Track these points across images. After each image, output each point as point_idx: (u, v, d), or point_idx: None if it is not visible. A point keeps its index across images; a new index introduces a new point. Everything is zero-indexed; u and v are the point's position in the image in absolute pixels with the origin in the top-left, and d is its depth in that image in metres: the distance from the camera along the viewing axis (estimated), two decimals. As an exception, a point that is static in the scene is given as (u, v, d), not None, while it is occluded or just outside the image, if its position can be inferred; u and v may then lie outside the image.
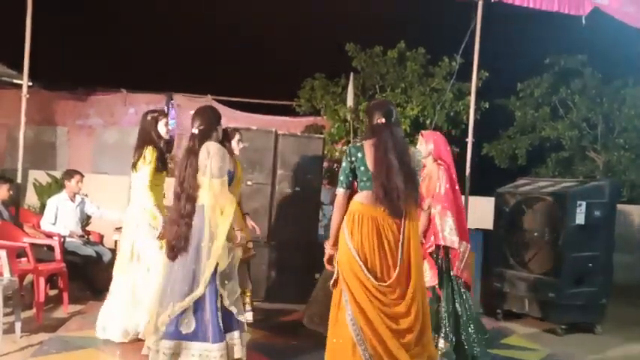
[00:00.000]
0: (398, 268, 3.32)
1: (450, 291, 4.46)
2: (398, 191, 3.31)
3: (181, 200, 3.78)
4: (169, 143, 11.14)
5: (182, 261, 3.72)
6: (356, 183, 3.53)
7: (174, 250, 3.74)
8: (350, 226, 3.39)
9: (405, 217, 3.37)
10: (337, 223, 3.49)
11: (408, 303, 3.32)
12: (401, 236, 3.36)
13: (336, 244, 3.48)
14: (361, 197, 3.44)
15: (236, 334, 3.76)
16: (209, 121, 3.91)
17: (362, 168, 3.43)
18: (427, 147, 4.58)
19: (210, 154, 3.75)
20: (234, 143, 5.08)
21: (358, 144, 3.54)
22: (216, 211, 3.70)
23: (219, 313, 3.66)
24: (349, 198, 3.51)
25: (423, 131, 4.85)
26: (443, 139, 4.72)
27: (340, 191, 3.50)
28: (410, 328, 3.31)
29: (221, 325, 3.65)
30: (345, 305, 3.33)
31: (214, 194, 3.71)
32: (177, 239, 3.72)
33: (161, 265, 4.07)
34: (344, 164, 3.51)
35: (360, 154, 3.45)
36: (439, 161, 4.55)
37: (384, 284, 3.30)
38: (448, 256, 4.48)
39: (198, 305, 3.67)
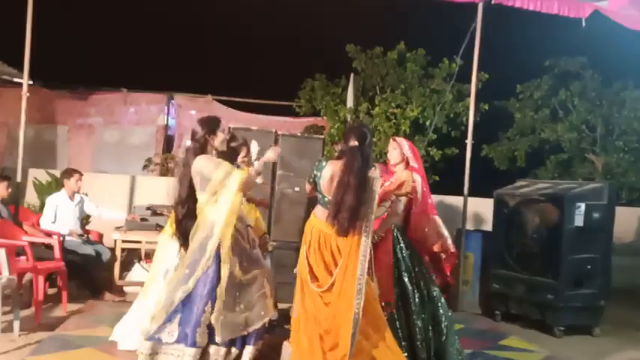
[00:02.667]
0: (334, 278, 3.66)
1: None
2: (349, 212, 3.55)
3: (179, 213, 3.93)
4: (169, 143, 11.22)
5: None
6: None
7: None
8: (306, 233, 3.83)
9: (354, 236, 3.64)
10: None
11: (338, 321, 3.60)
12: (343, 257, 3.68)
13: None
14: (316, 210, 3.87)
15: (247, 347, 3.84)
16: (202, 132, 3.93)
17: (319, 187, 3.83)
18: (400, 152, 4.51)
19: (199, 168, 3.81)
20: (239, 158, 5.07)
21: (323, 163, 3.83)
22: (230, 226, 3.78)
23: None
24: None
25: (395, 137, 4.78)
26: (413, 146, 4.66)
27: (308, 187, 3.98)
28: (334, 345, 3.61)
29: (201, 331, 3.68)
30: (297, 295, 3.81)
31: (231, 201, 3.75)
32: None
33: None
34: (312, 172, 3.89)
35: (319, 173, 3.82)
36: (410, 166, 4.51)
37: (320, 289, 3.68)
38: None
39: (185, 307, 3.71)
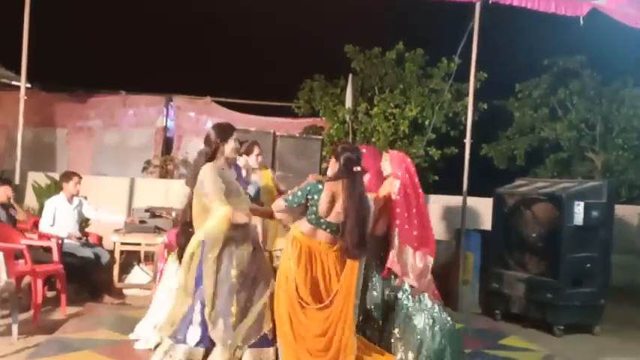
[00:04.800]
0: (332, 297, 3.77)
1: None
2: (364, 239, 3.77)
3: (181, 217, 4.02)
4: (168, 145, 11.23)
5: None
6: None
7: None
8: (291, 248, 3.81)
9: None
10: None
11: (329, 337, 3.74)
12: (343, 276, 3.81)
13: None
14: (303, 227, 3.86)
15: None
16: (214, 138, 3.91)
17: (314, 208, 3.80)
18: (391, 168, 4.45)
19: (201, 177, 3.79)
20: (252, 158, 5.06)
21: (320, 186, 3.81)
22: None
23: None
24: None
25: (390, 150, 4.75)
26: (400, 158, 4.56)
27: (282, 207, 3.88)
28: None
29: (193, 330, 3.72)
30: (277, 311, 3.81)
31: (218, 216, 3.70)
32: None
33: None
34: (299, 193, 3.83)
35: (316, 197, 3.79)
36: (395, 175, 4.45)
37: (311, 307, 3.74)
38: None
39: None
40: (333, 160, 3.96)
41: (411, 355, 4.11)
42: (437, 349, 4.14)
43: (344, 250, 3.80)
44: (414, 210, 4.32)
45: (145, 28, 12.78)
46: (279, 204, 3.93)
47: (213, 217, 3.66)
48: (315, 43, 11.68)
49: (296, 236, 3.85)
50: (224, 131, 3.94)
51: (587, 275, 5.97)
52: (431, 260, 4.31)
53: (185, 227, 3.98)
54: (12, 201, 6.09)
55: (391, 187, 4.34)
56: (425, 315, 4.21)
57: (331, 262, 3.84)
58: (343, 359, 3.72)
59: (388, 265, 4.24)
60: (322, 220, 3.80)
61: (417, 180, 4.45)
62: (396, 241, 4.24)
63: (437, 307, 4.28)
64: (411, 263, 4.25)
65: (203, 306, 3.72)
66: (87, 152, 10.59)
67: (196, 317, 3.74)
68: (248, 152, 5.05)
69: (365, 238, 3.80)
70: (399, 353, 4.12)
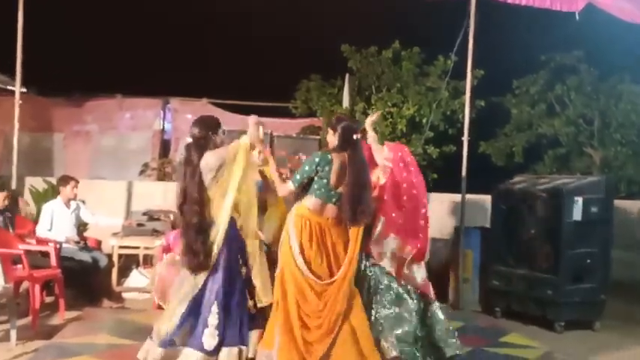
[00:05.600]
0: (342, 269, 3.75)
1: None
2: (368, 206, 3.79)
3: (187, 215, 3.74)
4: (166, 147, 11.21)
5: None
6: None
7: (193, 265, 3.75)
8: (296, 228, 3.76)
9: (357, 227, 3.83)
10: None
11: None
12: (350, 246, 3.80)
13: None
14: (309, 203, 3.82)
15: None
16: (204, 129, 3.86)
17: (324, 180, 3.79)
18: (388, 156, 4.44)
19: (209, 165, 3.74)
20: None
21: (329, 156, 3.82)
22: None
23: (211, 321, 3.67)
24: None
25: (388, 143, 4.77)
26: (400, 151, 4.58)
27: (292, 188, 3.83)
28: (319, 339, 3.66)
29: (209, 333, 3.65)
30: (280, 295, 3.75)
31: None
32: (191, 255, 3.71)
33: None
34: (307, 167, 3.81)
35: (327, 168, 3.79)
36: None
37: (323, 282, 3.69)
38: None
39: (194, 309, 3.68)
40: (330, 132, 3.95)
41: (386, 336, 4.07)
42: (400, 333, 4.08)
43: (344, 219, 3.78)
44: (405, 198, 4.26)
45: (141, 31, 12.75)
46: (286, 187, 3.88)
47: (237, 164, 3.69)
48: (312, 43, 11.67)
49: (303, 214, 3.80)
50: (212, 124, 3.92)
51: (587, 271, 5.95)
52: (409, 253, 4.20)
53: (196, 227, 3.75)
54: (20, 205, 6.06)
55: (381, 173, 4.32)
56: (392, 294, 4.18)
57: (340, 239, 3.81)
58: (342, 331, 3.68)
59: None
60: (333, 193, 3.78)
61: (413, 170, 4.39)
62: (379, 227, 4.17)
63: (411, 294, 4.22)
64: (392, 251, 4.18)
65: (224, 307, 3.66)
66: (84, 156, 10.57)
67: (212, 320, 3.66)
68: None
69: (364, 203, 3.77)
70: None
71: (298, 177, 3.83)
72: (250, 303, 3.90)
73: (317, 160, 3.81)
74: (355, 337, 3.72)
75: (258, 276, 3.79)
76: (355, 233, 3.83)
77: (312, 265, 3.71)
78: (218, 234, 3.69)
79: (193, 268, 3.70)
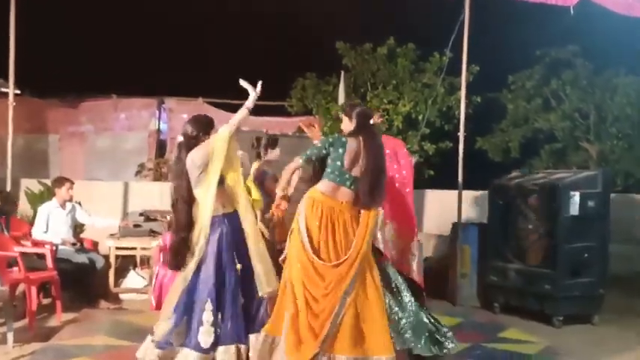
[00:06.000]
0: (349, 252, 3.67)
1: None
2: (371, 184, 3.74)
3: (176, 213, 3.83)
4: (162, 147, 11.18)
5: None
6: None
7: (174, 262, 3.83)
8: (307, 210, 3.71)
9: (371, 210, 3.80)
10: (285, 180, 3.96)
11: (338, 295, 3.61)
12: (358, 229, 3.75)
13: (283, 192, 3.99)
14: (323, 187, 3.80)
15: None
16: (196, 129, 3.87)
17: (338, 163, 3.77)
18: None
19: (195, 162, 3.73)
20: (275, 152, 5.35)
21: (343, 139, 3.82)
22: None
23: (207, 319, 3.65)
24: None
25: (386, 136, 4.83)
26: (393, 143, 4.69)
27: (300, 162, 3.87)
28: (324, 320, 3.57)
29: (204, 331, 3.63)
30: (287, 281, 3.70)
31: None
32: (172, 253, 3.82)
33: None
34: (319, 145, 3.84)
35: (341, 150, 3.76)
36: None
37: (329, 264, 3.63)
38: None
39: (187, 307, 3.68)
40: (345, 119, 3.95)
41: None
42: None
43: (360, 202, 3.77)
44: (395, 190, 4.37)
45: (135, 31, 12.73)
46: (292, 164, 3.90)
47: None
48: (306, 41, 11.65)
49: (316, 197, 3.77)
50: (205, 124, 3.91)
51: (585, 265, 5.95)
52: (391, 232, 4.28)
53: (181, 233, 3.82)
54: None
55: None
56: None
57: (354, 223, 3.77)
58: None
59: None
60: (347, 176, 3.76)
61: (403, 163, 4.49)
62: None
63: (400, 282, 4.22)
64: (392, 239, 4.28)
65: (217, 303, 3.65)
66: (80, 157, 10.54)
67: (207, 317, 3.65)
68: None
69: (381, 187, 3.78)
70: None
71: (308, 152, 3.84)
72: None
73: (331, 140, 3.81)
74: (359, 323, 3.64)
75: (259, 265, 3.76)
76: (366, 217, 3.78)
77: (320, 250, 3.67)
78: (201, 231, 3.69)
79: (172, 266, 3.85)
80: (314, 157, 3.85)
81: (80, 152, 10.66)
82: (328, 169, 3.80)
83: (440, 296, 6.60)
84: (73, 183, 6.32)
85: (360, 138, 3.81)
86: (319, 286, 3.64)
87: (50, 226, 6.13)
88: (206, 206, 3.69)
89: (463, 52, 7.07)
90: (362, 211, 3.80)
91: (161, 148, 10.83)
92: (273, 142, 5.46)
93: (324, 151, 3.80)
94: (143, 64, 12.93)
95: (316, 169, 3.95)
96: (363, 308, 3.67)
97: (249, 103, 3.94)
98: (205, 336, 3.62)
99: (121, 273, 6.66)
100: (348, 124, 3.95)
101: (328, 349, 3.54)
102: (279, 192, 3.99)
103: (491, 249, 6.57)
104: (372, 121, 3.89)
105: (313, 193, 3.80)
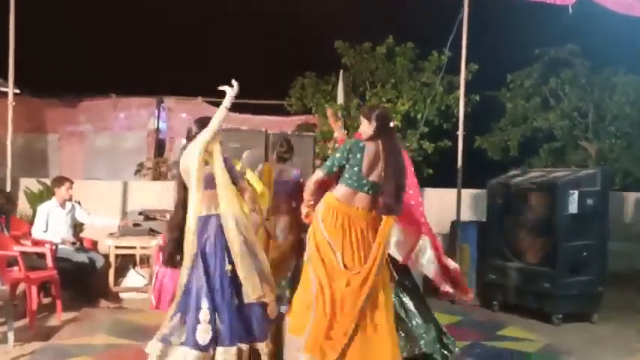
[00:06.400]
0: (370, 261, 3.61)
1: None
2: (395, 189, 3.63)
3: (173, 212, 3.99)
4: (161, 147, 11.19)
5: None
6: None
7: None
8: (325, 216, 3.66)
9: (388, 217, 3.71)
10: (310, 193, 3.83)
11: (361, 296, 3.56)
12: (377, 237, 3.67)
13: (308, 204, 3.84)
14: (339, 193, 3.71)
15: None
16: (197, 130, 3.91)
17: (355, 168, 3.66)
18: None
19: (183, 165, 3.79)
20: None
21: (361, 144, 3.70)
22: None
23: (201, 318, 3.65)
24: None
25: None
26: None
27: (321, 175, 3.76)
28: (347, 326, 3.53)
29: (202, 329, 3.63)
30: (312, 281, 3.64)
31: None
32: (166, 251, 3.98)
33: None
34: (339, 154, 3.71)
35: (359, 155, 3.66)
36: None
37: (351, 272, 3.57)
38: None
39: (185, 306, 3.71)
40: (365, 122, 3.79)
41: None
42: None
43: (382, 207, 3.67)
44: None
45: (134, 31, 12.72)
46: (315, 176, 3.78)
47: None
48: (305, 40, 11.65)
49: (332, 204, 3.68)
50: (205, 124, 3.91)
51: (583, 263, 5.96)
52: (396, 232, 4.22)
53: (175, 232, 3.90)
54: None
55: None
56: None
57: (370, 230, 3.69)
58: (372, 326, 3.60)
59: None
60: (365, 181, 3.66)
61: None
62: None
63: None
64: (397, 239, 4.25)
65: (212, 302, 3.66)
66: (79, 157, 10.54)
67: (203, 316, 3.65)
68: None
69: (401, 191, 3.68)
70: None
71: (329, 164, 3.72)
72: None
73: (348, 146, 3.68)
74: (375, 334, 3.61)
75: (240, 271, 3.71)
76: (386, 225, 3.70)
77: (344, 255, 3.61)
78: (189, 231, 3.73)
79: (165, 263, 4.01)
80: (335, 168, 3.71)
81: (79, 152, 10.66)
82: (345, 175, 3.69)
83: (439, 294, 6.60)
84: (72, 182, 6.33)
85: (380, 141, 3.70)
86: (342, 291, 3.57)
87: (50, 226, 6.14)
88: (190, 208, 3.73)
89: (462, 51, 7.09)
90: (383, 218, 3.70)
91: (160, 147, 10.82)
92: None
93: (343, 161, 3.68)
94: (142, 63, 12.93)
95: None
96: (372, 328, 3.63)
97: (227, 102, 3.90)
98: (203, 334, 3.62)
99: (120, 272, 6.67)
100: (367, 127, 3.77)
101: None
102: (305, 206, 3.88)
103: (490, 247, 6.59)
104: (391, 124, 3.78)
105: (329, 198, 3.72)
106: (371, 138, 3.74)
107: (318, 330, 3.54)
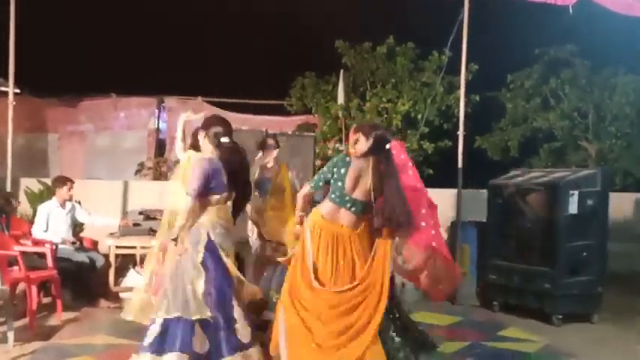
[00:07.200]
0: (357, 280, 3.57)
1: None
2: (404, 216, 3.60)
3: None
4: (161, 146, 11.18)
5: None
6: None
7: None
8: (311, 232, 3.65)
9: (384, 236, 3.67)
10: (300, 208, 3.85)
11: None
12: (375, 258, 3.62)
13: (299, 220, 3.83)
14: (324, 210, 3.69)
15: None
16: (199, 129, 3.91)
17: (339, 184, 3.64)
18: None
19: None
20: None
21: (347, 159, 3.68)
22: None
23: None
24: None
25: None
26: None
27: (307, 190, 3.79)
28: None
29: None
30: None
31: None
32: None
33: None
34: (325, 169, 3.72)
35: (343, 171, 3.63)
36: None
37: (329, 289, 3.53)
38: None
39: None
40: (362, 139, 3.68)
41: None
42: None
43: (379, 228, 3.62)
44: None
45: (134, 30, 12.72)
46: (303, 191, 3.82)
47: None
48: (306, 40, 11.66)
49: (317, 221, 3.67)
50: (207, 120, 3.92)
51: (584, 264, 5.96)
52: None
53: None
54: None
55: None
56: None
57: (355, 248, 3.64)
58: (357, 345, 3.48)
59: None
60: (347, 198, 3.62)
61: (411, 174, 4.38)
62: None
63: None
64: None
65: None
66: (79, 156, 10.54)
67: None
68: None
69: (407, 207, 3.62)
70: None
71: (316, 178, 3.74)
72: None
73: (335, 161, 3.69)
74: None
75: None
76: (383, 246, 3.65)
77: (318, 270, 3.57)
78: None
79: None
80: (321, 183, 3.72)
81: (80, 151, 10.66)
82: (330, 190, 3.69)
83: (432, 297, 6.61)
84: (73, 183, 6.33)
85: (370, 160, 3.66)
86: (319, 308, 3.52)
87: (50, 226, 6.13)
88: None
89: (462, 51, 7.09)
90: (378, 241, 3.65)
91: (160, 147, 10.81)
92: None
93: (329, 175, 3.67)
94: (143, 63, 12.94)
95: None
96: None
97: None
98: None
99: (120, 272, 6.64)
100: (363, 144, 3.66)
101: None
102: (297, 219, 3.89)
103: (491, 248, 6.59)
104: (388, 146, 3.68)
105: (315, 215, 3.70)
106: (363, 155, 3.67)
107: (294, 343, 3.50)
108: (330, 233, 3.62)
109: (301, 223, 3.80)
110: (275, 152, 5.30)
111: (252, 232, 5.36)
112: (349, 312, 3.52)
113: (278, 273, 4.92)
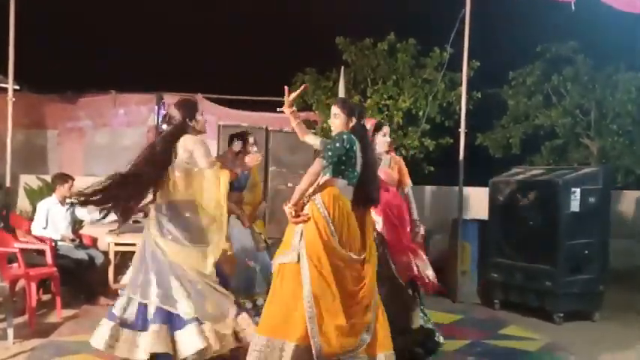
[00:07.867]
0: (366, 251, 3.63)
1: None
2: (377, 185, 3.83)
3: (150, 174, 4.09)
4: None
5: None
6: None
7: None
8: (326, 201, 3.51)
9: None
10: (305, 188, 3.53)
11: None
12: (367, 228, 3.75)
13: (297, 204, 3.53)
14: (340, 185, 3.62)
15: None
16: (183, 118, 3.93)
17: (353, 160, 3.62)
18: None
19: (189, 147, 3.79)
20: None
21: (353, 136, 3.67)
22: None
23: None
24: None
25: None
26: None
27: (324, 164, 3.54)
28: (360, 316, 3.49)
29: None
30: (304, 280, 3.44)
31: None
32: None
33: None
34: (338, 145, 3.55)
35: (355, 148, 3.62)
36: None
37: (355, 257, 3.54)
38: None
39: None
40: (344, 117, 3.69)
41: None
42: None
43: (360, 202, 3.70)
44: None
45: (133, 27, 12.70)
46: (317, 166, 3.53)
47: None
48: (306, 36, 11.63)
49: (334, 194, 3.55)
50: (189, 109, 3.92)
51: (585, 262, 5.95)
52: None
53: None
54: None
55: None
56: None
57: (360, 220, 3.69)
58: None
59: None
60: (355, 174, 3.65)
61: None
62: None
63: None
64: None
65: None
66: (78, 153, 10.51)
67: None
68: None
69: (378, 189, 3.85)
70: None
71: (330, 153, 3.52)
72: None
73: (345, 137, 3.58)
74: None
75: None
76: (370, 216, 3.85)
77: (342, 239, 3.52)
78: None
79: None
80: (337, 159, 3.55)
81: (79, 148, 10.62)
82: (342, 167, 3.59)
83: (440, 293, 6.59)
84: (74, 180, 6.32)
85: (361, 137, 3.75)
86: (354, 279, 3.52)
87: (49, 223, 6.12)
88: None
89: (464, 48, 7.06)
90: (368, 211, 3.81)
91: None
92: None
93: (343, 152, 3.56)
94: (142, 59, 12.91)
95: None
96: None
97: None
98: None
99: (120, 269, 6.62)
100: (348, 122, 3.72)
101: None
102: (294, 203, 3.54)
103: (492, 245, 6.57)
104: (362, 122, 3.81)
105: (334, 190, 3.58)
106: (355, 131, 3.73)
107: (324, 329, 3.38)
108: (347, 207, 3.59)
109: (301, 206, 3.57)
110: (254, 149, 5.26)
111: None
112: (361, 280, 3.57)
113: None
